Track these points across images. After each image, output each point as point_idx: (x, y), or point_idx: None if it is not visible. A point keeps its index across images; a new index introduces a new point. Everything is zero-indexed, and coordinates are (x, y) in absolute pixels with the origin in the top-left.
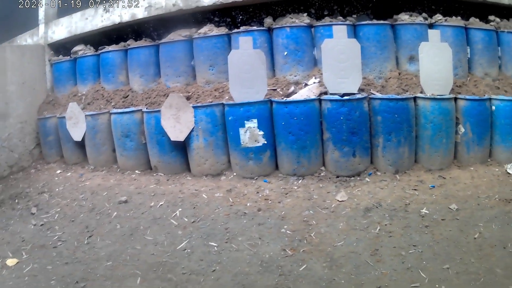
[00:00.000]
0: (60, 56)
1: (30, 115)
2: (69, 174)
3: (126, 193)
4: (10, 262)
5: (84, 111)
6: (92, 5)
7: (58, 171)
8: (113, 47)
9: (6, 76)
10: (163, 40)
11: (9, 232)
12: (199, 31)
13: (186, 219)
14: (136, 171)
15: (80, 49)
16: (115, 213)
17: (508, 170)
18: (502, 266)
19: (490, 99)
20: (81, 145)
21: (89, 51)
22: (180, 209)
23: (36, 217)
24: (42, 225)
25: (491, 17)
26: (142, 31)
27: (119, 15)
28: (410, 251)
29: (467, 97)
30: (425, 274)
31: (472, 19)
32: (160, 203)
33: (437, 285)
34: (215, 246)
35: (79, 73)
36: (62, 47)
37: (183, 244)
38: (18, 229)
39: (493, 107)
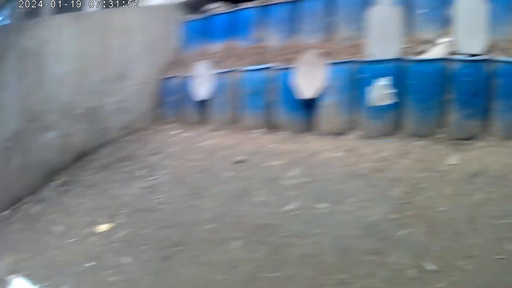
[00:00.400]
0: (190, 15)
1: (151, 75)
2: (187, 134)
3: (244, 153)
4: (102, 227)
5: (215, 69)
6: None
7: (176, 131)
8: (251, 4)
9: (130, 37)
10: None
11: (108, 196)
12: None
13: (299, 180)
14: (259, 130)
15: (217, 6)
16: (229, 173)
17: None
18: None
19: None
20: (204, 104)
21: (223, 8)
22: (296, 169)
23: (142, 179)
24: (146, 188)
25: None
26: None
27: None
28: (505, 221)
29: None
30: (511, 246)
31: None
32: (277, 163)
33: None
34: (323, 207)
35: (211, 31)
36: (189, 6)
37: (290, 205)
38: (120, 193)
39: None
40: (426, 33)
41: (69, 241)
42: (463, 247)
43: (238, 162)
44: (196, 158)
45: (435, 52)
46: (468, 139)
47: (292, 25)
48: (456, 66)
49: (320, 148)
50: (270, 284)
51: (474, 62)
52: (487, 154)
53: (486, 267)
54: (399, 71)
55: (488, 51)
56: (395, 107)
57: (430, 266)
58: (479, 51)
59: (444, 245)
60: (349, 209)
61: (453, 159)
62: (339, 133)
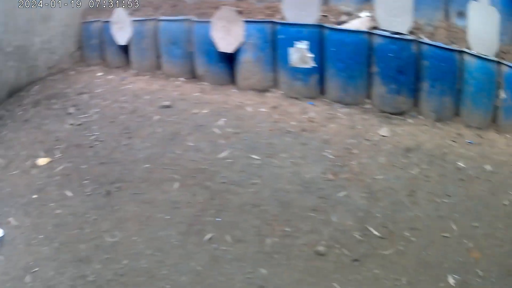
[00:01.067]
0: None
1: (73, 19)
2: (111, 77)
3: (169, 98)
4: (42, 161)
5: (131, 17)
6: None
7: (99, 74)
8: None
9: None
10: None
11: (43, 131)
12: None
13: (229, 129)
14: (181, 79)
15: None
16: (157, 117)
17: None
18: None
19: None
20: (124, 49)
21: None
22: (224, 119)
23: (73, 117)
24: (79, 124)
25: None
26: None
27: None
28: (444, 200)
29: (510, 64)
30: (455, 226)
31: None
32: (204, 111)
33: (465, 240)
34: (257, 159)
35: None
36: None
37: (224, 153)
38: (53, 129)
39: None
40: (346, 6)
41: (11, 173)
42: (406, 219)
43: (164, 106)
44: (122, 100)
45: (355, 24)
46: (397, 114)
47: None
48: (380, 41)
49: (244, 102)
50: (214, 228)
51: (398, 40)
52: (419, 132)
53: (432, 242)
54: (319, 37)
55: (412, 33)
56: (317, 72)
57: (375, 232)
58: (403, 30)
59: (385, 213)
60: (283, 164)
61: (383, 131)
62: (261, 90)
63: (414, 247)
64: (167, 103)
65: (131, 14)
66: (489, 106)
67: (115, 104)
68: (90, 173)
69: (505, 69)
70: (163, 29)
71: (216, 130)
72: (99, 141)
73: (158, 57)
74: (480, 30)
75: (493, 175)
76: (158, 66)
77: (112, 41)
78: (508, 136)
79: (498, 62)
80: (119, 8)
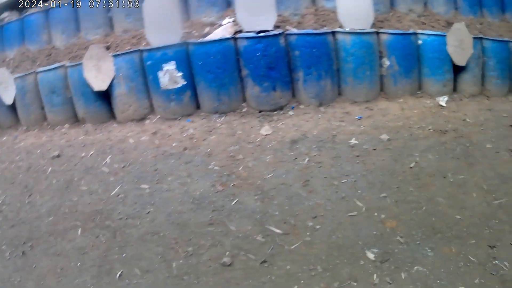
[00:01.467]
0: None
1: None
2: (4, 138)
3: (58, 148)
4: None
5: (13, 74)
6: None
7: None
8: (35, 9)
9: None
10: None
11: None
12: None
13: (116, 165)
14: (66, 125)
15: (6, 16)
16: (50, 168)
17: (441, 103)
18: (444, 195)
19: (416, 33)
20: (13, 108)
21: (14, 16)
22: (110, 156)
23: None
24: None
25: None
26: None
27: None
28: (342, 181)
29: (390, 31)
30: (361, 203)
31: None
32: (91, 153)
33: (375, 214)
34: (147, 188)
35: (6, 39)
36: None
37: (116, 190)
38: None
39: (420, 41)
40: (207, 16)
41: None
42: (306, 209)
43: (55, 157)
44: (18, 159)
45: (218, 33)
46: (276, 109)
47: (75, 24)
48: (244, 43)
49: (125, 135)
50: (122, 264)
51: (264, 38)
52: (302, 122)
53: (339, 224)
54: (185, 54)
55: (278, 27)
56: (189, 88)
57: (277, 230)
58: (268, 27)
59: (283, 209)
60: (172, 187)
61: (264, 129)
62: (139, 119)
63: (321, 234)
64: (56, 153)
65: (12, 71)
66: (374, 77)
67: (12, 164)
68: (4, 237)
69: (384, 37)
70: (41, 80)
71: (105, 169)
72: (5, 205)
73: (42, 108)
74: (352, 5)
75: (391, 143)
76: (44, 118)
77: (0, 102)
78: (401, 100)
79: (377, 33)
80: (1, 69)
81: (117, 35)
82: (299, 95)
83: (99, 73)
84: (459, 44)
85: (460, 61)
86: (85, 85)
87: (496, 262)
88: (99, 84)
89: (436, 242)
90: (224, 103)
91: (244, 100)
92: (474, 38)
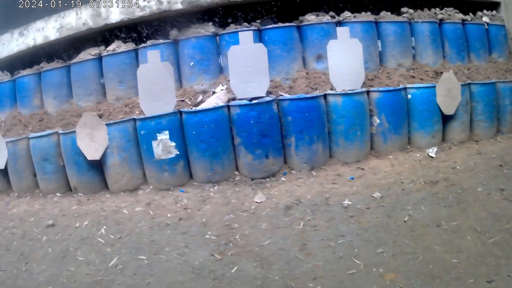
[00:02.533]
0: None
1: None
2: None
3: (52, 217)
4: None
5: (5, 138)
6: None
7: None
8: (27, 71)
9: None
10: (73, 61)
11: None
12: (107, 48)
13: (112, 236)
14: (58, 194)
15: None
16: (45, 237)
17: (430, 154)
18: (440, 243)
19: (405, 88)
20: (5, 173)
21: (6, 76)
22: (104, 227)
23: None
24: None
25: (404, 9)
26: (54, 53)
27: (33, 38)
28: (339, 241)
29: (380, 89)
30: (359, 261)
31: (383, 13)
32: (85, 223)
33: (374, 269)
34: (145, 259)
35: None
36: None
37: (114, 260)
38: None
39: (409, 96)
40: (201, 84)
41: None
42: (306, 271)
43: (49, 226)
44: (11, 226)
45: (212, 101)
46: (269, 176)
47: (67, 89)
48: (237, 111)
49: (119, 205)
50: None
51: (257, 105)
52: (295, 187)
53: (339, 283)
54: (179, 123)
55: (270, 93)
56: (182, 158)
57: None
58: (261, 93)
59: (283, 274)
60: (171, 258)
61: (258, 197)
62: (133, 189)
63: None
64: (50, 222)
65: (4, 134)
66: (364, 136)
67: (6, 230)
68: None
69: (375, 95)
70: (33, 146)
71: (101, 240)
72: (1, 271)
73: (34, 175)
74: (343, 66)
75: (383, 200)
76: (36, 185)
77: None
78: (391, 156)
79: (367, 92)
80: None
81: (110, 102)
82: (291, 161)
83: (92, 142)
84: (448, 93)
85: (449, 110)
86: (78, 153)
87: None
88: (93, 153)
89: (435, 287)
90: (217, 172)
91: (237, 168)
92: (462, 85)
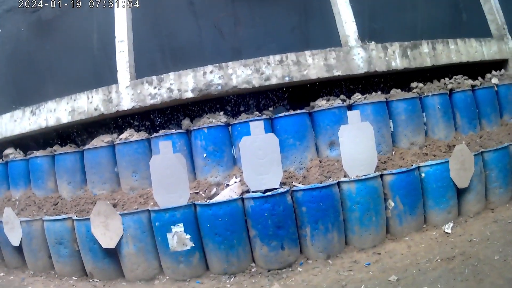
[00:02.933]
0: None
1: None
2: (11, 277)
3: None
4: None
5: (19, 217)
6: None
7: (1, 274)
8: (40, 152)
9: None
10: (87, 146)
11: None
12: (120, 137)
13: None
14: (74, 277)
15: (11, 153)
16: None
17: (446, 230)
18: None
19: (418, 167)
20: (20, 249)
21: (19, 155)
22: None
23: None
24: None
25: (413, 84)
26: (67, 136)
27: (45, 118)
28: None
29: (393, 171)
30: None
31: (393, 91)
32: None
33: None
34: None
35: (11, 177)
36: None
37: None
38: None
39: (423, 174)
40: (215, 176)
41: None
42: None
43: None
44: None
45: (226, 193)
46: (285, 267)
47: (81, 175)
48: (252, 203)
49: None
50: None
51: (271, 197)
52: (312, 276)
53: None
54: (193, 216)
55: (284, 183)
56: (197, 250)
57: None
58: (275, 185)
59: None
60: None
61: None
62: (149, 279)
63: None
64: None
65: (18, 213)
66: (379, 221)
67: None
68: None
69: (388, 178)
70: (48, 229)
71: None
72: None
73: (49, 256)
74: (356, 152)
75: (400, 282)
76: (51, 266)
77: (7, 241)
78: (407, 238)
79: (381, 175)
80: (7, 208)
81: (124, 192)
82: (307, 251)
83: (107, 230)
84: (461, 166)
85: (463, 184)
86: (93, 240)
87: None
88: (107, 241)
89: None
90: (233, 264)
91: (253, 259)
92: (474, 154)
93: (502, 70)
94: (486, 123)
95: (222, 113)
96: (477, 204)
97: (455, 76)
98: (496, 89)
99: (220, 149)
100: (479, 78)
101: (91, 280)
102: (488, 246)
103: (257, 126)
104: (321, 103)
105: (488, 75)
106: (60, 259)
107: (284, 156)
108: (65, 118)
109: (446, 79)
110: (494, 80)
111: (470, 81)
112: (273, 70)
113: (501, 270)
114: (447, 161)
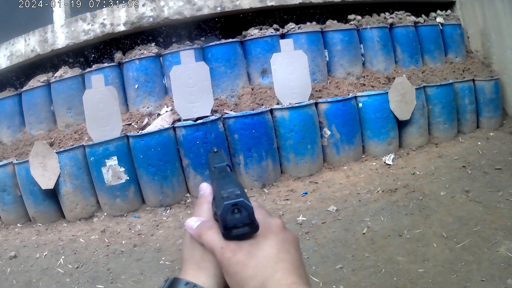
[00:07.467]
0: None
1: None
2: None
3: (14, 248)
4: None
5: None
6: None
7: None
8: None
9: None
10: (24, 88)
11: None
12: (55, 75)
13: (70, 266)
14: (18, 225)
15: None
16: (9, 269)
17: (387, 162)
18: (403, 253)
19: (355, 97)
20: None
21: None
22: (63, 257)
23: None
24: None
25: (351, 16)
26: (7, 81)
27: None
28: None
29: (328, 99)
30: (317, 278)
31: (329, 22)
32: (44, 254)
33: (334, 286)
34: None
35: None
36: None
37: None
38: None
39: (360, 104)
40: (147, 106)
41: None
42: None
43: (12, 257)
44: None
45: (157, 123)
46: None
47: (20, 118)
48: (183, 132)
49: (75, 234)
50: None
51: (202, 125)
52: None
53: None
54: (126, 148)
55: (216, 111)
56: (132, 183)
57: None
58: (206, 112)
59: None
60: (126, 286)
61: None
62: (89, 217)
63: None
64: (13, 253)
65: None
66: (315, 149)
67: None
68: None
69: (323, 106)
70: None
71: (60, 270)
72: None
73: None
74: (288, 79)
75: (339, 213)
76: None
77: None
78: (345, 167)
79: (315, 103)
80: None
81: (60, 129)
82: (241, 179)
83: (45, 171)
84: (402, 98)
85: (404, 116)
86: (33, 183)
87: None
88: (46, 182)
89: None
90: (168, 195)
91: (188, 190)
92: (416, 88)
93: (449, 11)
94: (429, 60)
95: (153, 44)
96: (420, 138)
97: (396, 12)
98: (441, 28)
99: (152, 79)
100: (423, 16)
101: (34, 225)
102: (433, 181)
103: (187, 55)
104: (253, 32)
105: (432, 14)
106: (5, 207)
107: (216, 84)
108: (4, 63)
109: (387, 13)
110: (439, 19)
111: (413, 18)
112: (205, 0)
113: (449, 207)
114: (387, 93)
